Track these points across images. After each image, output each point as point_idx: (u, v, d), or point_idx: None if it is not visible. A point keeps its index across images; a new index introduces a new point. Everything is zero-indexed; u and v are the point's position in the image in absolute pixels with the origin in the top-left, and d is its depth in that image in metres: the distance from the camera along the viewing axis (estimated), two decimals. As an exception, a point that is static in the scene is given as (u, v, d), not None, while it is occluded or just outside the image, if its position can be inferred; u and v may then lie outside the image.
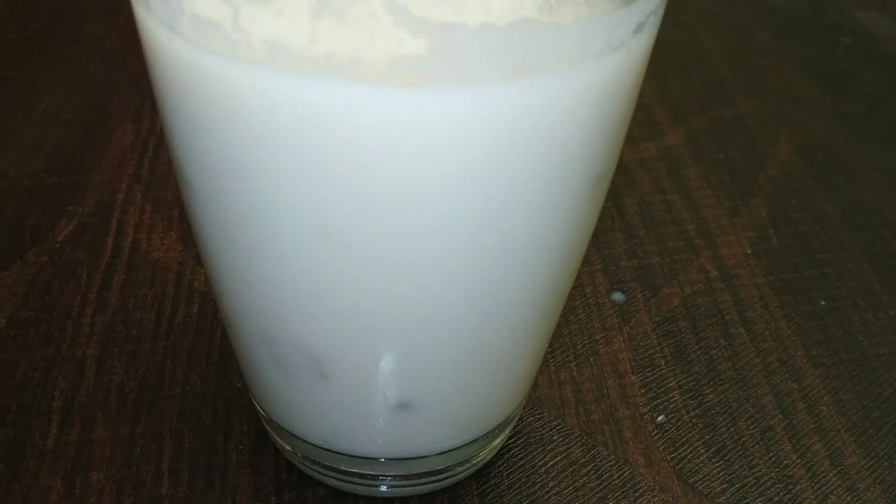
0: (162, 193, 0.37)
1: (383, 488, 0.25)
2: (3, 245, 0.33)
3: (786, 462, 0.28)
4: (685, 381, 0.30)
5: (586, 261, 0.35)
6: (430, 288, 0.19)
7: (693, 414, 0.29)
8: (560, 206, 0.19)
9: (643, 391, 0.30)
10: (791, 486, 0.27)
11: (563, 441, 0.28)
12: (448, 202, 0.17)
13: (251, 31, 0.15)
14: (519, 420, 0.28)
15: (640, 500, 0.26)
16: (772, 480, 0.27)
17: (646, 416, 0.29)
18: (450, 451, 0.24)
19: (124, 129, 0.40)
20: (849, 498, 0.27)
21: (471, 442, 0.25)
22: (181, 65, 0.17)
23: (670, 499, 0.26)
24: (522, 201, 0.18)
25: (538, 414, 0.28)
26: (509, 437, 0.27)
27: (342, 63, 0.15)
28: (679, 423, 0.29)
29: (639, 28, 0.17)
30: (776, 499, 0.26)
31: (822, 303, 0.34)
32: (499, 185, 0.17)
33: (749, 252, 0.36)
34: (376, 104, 0.15)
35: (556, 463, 0.27)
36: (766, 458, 0.28)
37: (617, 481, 0.27)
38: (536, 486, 0.26)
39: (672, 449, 0.28)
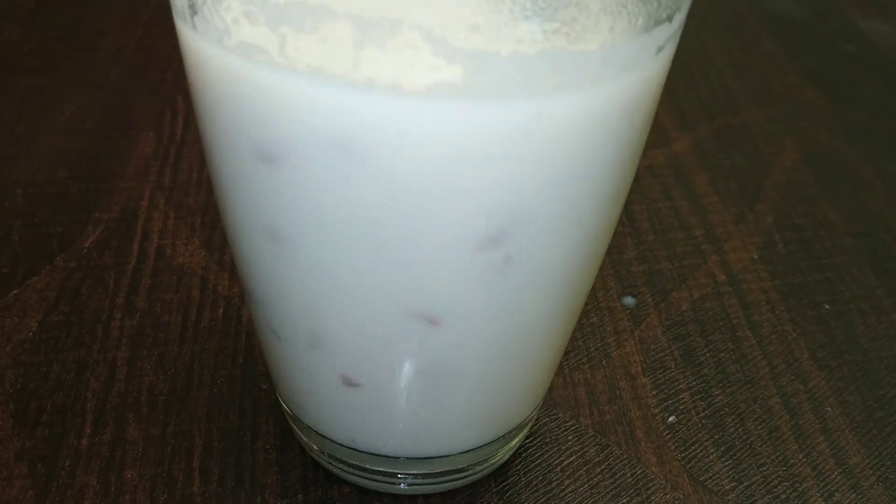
0: (184, 200, 0.38)
1: (403, 486, 0.26)
2: (32, 251, 0.34)
3: (792, 461, 0.29)
4: (695, 383, 0.31)
5: (598, 266, 0.36)
6: (454, 298, 0.20)
7: (703, 414, 0.30)
8: (581, 218, 0.20)
9: (654, 392, 0.31)
10: (798, 484, 0.28)
11: (577, 441, 0.29)
12: (478, 216, 0.18)
13: (296, 58, 0.16)
14: (535, 421, 0.29)
15: (652, 498, 0.27)
16: (779, 478, 0.28)
17: (657, 417, 0.30)
18: (469, 450, 0.25)
19: (146, 136, 0.42)
20: (853, 496, 0.28)
21: (490, 442, 0.26)
22: (226, 85, 0.18)
23: (681, 496, 0.27)
24: (546, 214, 0.19)
25: (553, 415, 0.29)
26: (526, 438, 0.28)
27: (382, 87, 0.16)
28: (689, 424, 0.30)
29: (659, 50, 0.18)
30: (783, 496, 0.27)
31: (827, 307, 0.35)
32: (524, 198, 0.18)
33: (756, 257, 0.37)
34: (413, 120, 0.16)
35: (571, 462, 0.28)
36: (774, 456, 0.29)
37: (630, 479, 0.28)
38: (553, 485, 0.27)
39: (682, 448, 0.29)
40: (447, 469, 0.26)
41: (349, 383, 0.23)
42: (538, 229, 0.19)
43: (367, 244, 0.19)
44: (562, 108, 0.17)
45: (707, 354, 0.32)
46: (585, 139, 0.18)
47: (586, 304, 0.34)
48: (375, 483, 0.26)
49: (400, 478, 0.26)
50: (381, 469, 0.26)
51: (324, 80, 0.16)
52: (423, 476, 0.26)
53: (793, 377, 0.32)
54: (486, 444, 0.26)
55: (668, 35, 0.18)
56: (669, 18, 0.18)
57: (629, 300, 0.34)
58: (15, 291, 0.33)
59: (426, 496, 0.27)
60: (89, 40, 0.49)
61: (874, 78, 0.52)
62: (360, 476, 0.26)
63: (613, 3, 0.16)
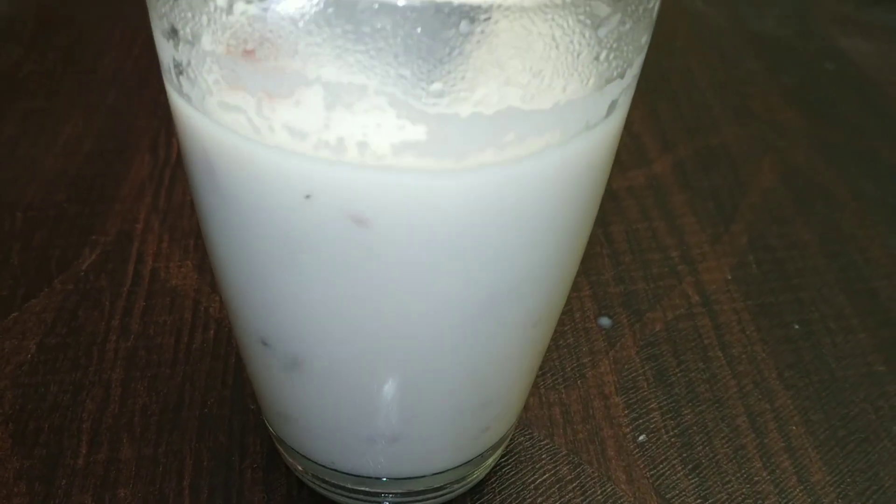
0: (178, 223, 0.39)
1: (386, 504, 0.28)
2: (31, 273, 0.36)
3: (756, 479, 0.30)
4: (665, 403, 0.32)
5: (575, 286, 0.37)
6: (429, 333, 0.21)
7: (672, 433, 0.31)
8: (545, 257, 0.21)
9: (626, 412, 0.32)
10: (760, 501, 0.29)
11: (551, 459, 0.30)
12: (447, 259, 0.19)
13: (272, 118, 0.18)
14: (511, 440, 0.30)
15: (621, 515, 0.28)
16: (743, 496, 0.29)
17: (628, 436, 0.31)
18: (446, 471, 0.27)
19: (142, 159, 0.43)
20: (813, 512, 0.29)
21: (465, 462, 0.27)
22: (207, 141, 0.19)
23: (649, 513, 0.29)
24: (512, 256, 0.20)
25: (528, 434, 0.31)
26: (502, 456, 0.30)
27: (351, 145, 0.17)
28: (658, 442, 0.31)
29: (612, 105, 0.19)
30: (746, 513, 0.29)
31: (796, 326, 0.36)
32: (492, 244, 0.20)
33: (729, 277, 0.38)
34: (380, 183, 0.18)
35: (544, 480, 0.29)
36: (739, 474, 0.30)
37: (600, 497, 0.29)
38: (526, 502, 0.29)
39: (651, 466, 0.30)
40: (426, 488, 0.27)
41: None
42: (505, 268, 0.20)
43: (340, 285, 0.20)
44: (520, 163, 0.18)
45: (678, 374, 0.34)
46: (545, 189, 0.19)
47: (563, 325, 0.35)
48: (359, 502, 0.28)
49: (380, 497, 0.27)
50: (363, 489, 0.27)
51: (297, 137, 0.17)
52: (403, 495, 0.27)
53: (760, 396, 0.33)
54: (462, 465, 0.27)
55: (620, 90, 0.19)
56: (621, 75, 0.19)
57: (605, 321, 0.36)
58: (14, 314, 0.34)
59: (405, 513, 0.28)
60: (88, 62, 0.51)
61: (852, 96, 0.53)
62: (342, 496, 0.28)
63: (565, 65, 0.18)
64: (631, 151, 0.46)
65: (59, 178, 0.41)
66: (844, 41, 0.59)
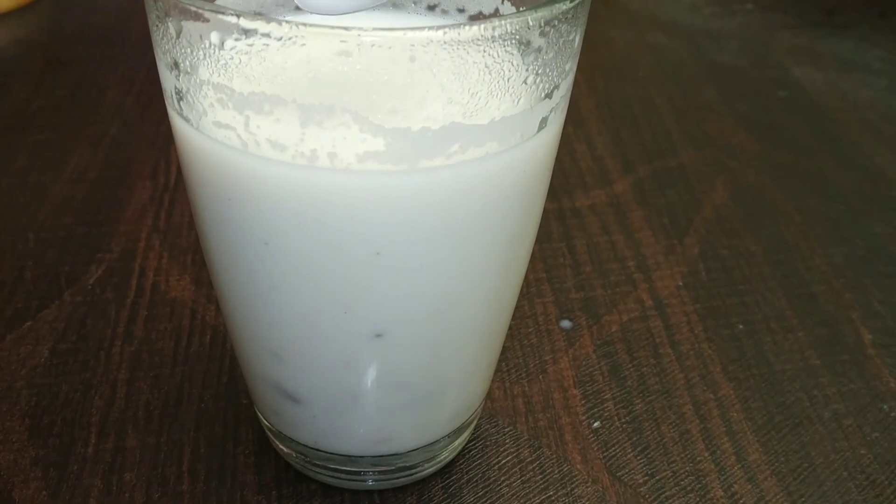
0: (177, 241, 0.43)
1: (370, 482, 0.31)
2: (43, 287, 0.39)
3: (699, 458, 0.33)
4: (619, 394, 0.36)
5: (539, 293, 0.41)
6: (394, 325, 0.25)
7: (624, 420, 0.35)
8: (491, 253, 0.25)
9: (583, 402, 0.35)
10: (702, 478, 0.33)
11: (514, 444, 0.33)
12: (401, 257, 0.23)
13: (257, 133, 0.21)
14: (477, 426, 0.34)
15: (575, 491, 0.32)
16: (686, 473, 0.33)
17: (584, 423, 0.34)
18: (417, 448, 0.30)
19: (143, 185, 0.47)
20: (749, 486, 0.32)
21: (434, 442, 0.30)
22: (204, 155, 0.23)
23: (600, 489, 0.32)
24: (462, 252, 0.24)
25: (494, 421, 0.34)
26: (468, 440, 0.33)
27: (323, 155, 0.21)
28: (611, 428, 0.34)
29: (543, 121, 0.23)
30: (688, 487, 0.32)
31: (741, 326, 0.40)
32: (443, 242, 0.23)
33: (681, 284, 0.42)
34: (348, 185, 0.21)
35: (507, 461, 0.33)
36: (683, 455, 0.33)
37: (557, 475, 0.32)
38: (490, 480, 0.32)
39: (604, 449, 0.33)
40: (399, 466, 0.31)
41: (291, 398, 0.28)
42: (456, 263, 0.24)
43: (319, 284, 0.24)
44: (462, 170, 0.22)
45: (631, 369, 0.37)
46: (483, 191, 0.23)
47: (528, 327, 0.39)
48: (340, 480, 0.31)
49: (359, 475, 0.31)
50: (343, 468, 0.31)
51: (278, 149, 0.21)
52: (380, 473, 0.31)
53: (705, 388, 0.36)
54: (431, 444, 0.30)
55: (549, 108, 0.23)
56: (549, 96, 0.23)
57: (566, 323, 0.39)
58: (28, 323, 0.37)
59: (381, 491, 0.31)
60: (92, 98, 0.55)
61: (801, 122, 0.57)
62: (325, 475, 0.31)
63: (498, 88, 0.21)
64: (594, 173, 0.50)
65: (67, 203, 0.45)
66: (797, 71, 0.64)
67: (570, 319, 0.39)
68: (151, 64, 0.59)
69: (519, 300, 0.38)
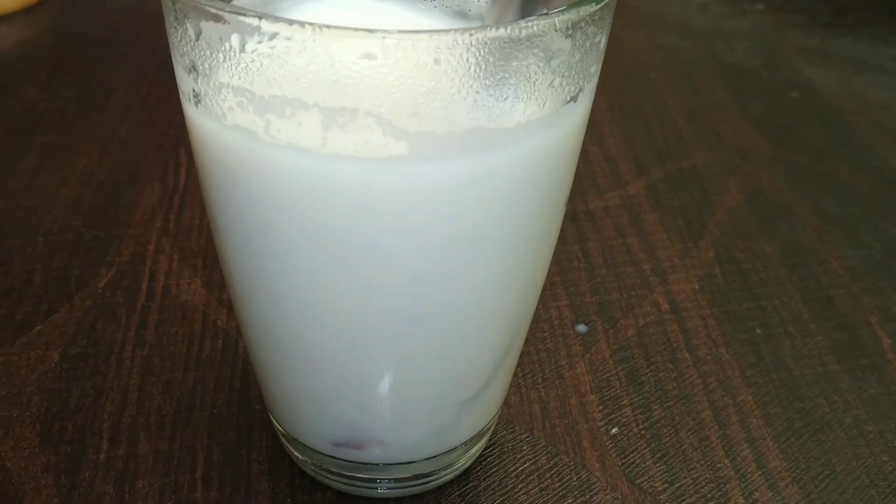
0: (187, 244, 0.42)
1: (381, 490, 0.30)
2: (52, 291, 0.39)
3: (719, 465, 0.33)
4: (636, 399, 0.35)
5: (554, 297, 0.40)
6: (415, 330, 0.25)
7: (642, 427, 0.34)
8: (513, 258, 0.24)
9: (600, 408, 0.35)
10: (722, 485, 0.32)
11: (531, 450, 0.33)
12: (423, 261, 0.22)
13: (278, 137, 0.21)
14: (494, 433, 0.33)
15: (594, 498, 0.31)
16: (706, 480, 0.32)
17: (601, 429, 0.34)
18: (434, 456, 0.30)
19: (152, 188, 0.46)
20: (770, 494, 0.32)
21: (451, 450, 0.30)
22: (223, 147, 0.22)
23: (619, 496, 0.31)
24: (484, 257, 0.23)
25: (511, 428, 0.34)
26: (485, 447, 0.33)
27: (345, 160, 0.21)
28: (630, 435, 0.34)
29: (565, 129, 0.23)
30: (709, 495, 0.32)
31: (758, 331, 0.39)
32: (465, 246, 0.23)
33: (697, 288, 0.42)
34: (370, 189, 0.21)
35: (525, 468, 0.32)
36: (703, 462, 0.33)
37: (575, 483, 0.32)
38: (508, 488, 0.31)
39: (623, 456, 0.33)
40: (416, 474, 0.30)
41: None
42: (475, 274, 0.24)
43: (338, 289, 0.23)
44: (487, 174, 0.21)
45: (648, 374, 0.37)
46: (507, 195, 0.22)
47: (543, 332, 0.38)
48: (356, 488, 0.31)
49: (375, 482, 0.30)
50: (359, 475, 0.30)
51: (299, 154, 0.21)
52: (396, 481, 0.30)
53: (723, 393, 0.36)
54: (448, 452, 0.30)
55: (574, 111, 0.23)
56: (574, 99, 0.23)
57: (581, 327, 0.39)
58: (38, 327, 0.37)
59: (398, 499, 0.31)
60: (99, 100, 0.54)
61: (815, 123, 0.57)
62: (341, 482, 0.30)
63: (524, 91, 0.21)
64: (607, 175, 0.50)
65: (76, 206, 0.45)
66: (809, 71, 0.63)
67: (586, 324, 0.39)
68: (159, 65, 0.59)
69: (534, 304, 0.38)
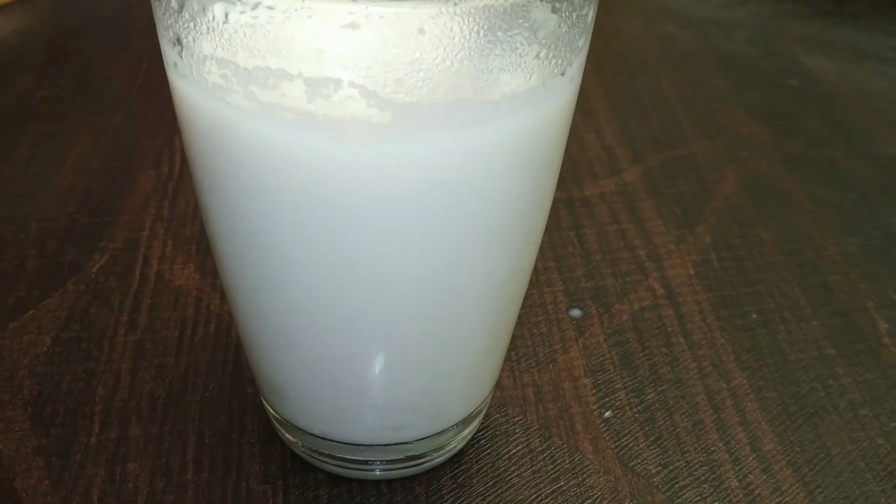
0: (181, 230, 0.42)
1: (377, 472, 0.30)
2: (45, 276, 0.39)
3: (713, 448, 0.33)
4: (630, 383, 0.35)
5: (549, 282, 0.40)
6: (400, 305, 0.24)
7: (636, 410, 0.34)
8: (500, 235, 0.24)
9: (594, 392, 0.35)
10: (716, 468, 0.32)
11: (524, 433, 0.33)
12: (409, 235, 0.22)
13: (262, 108, 0.21)
14: (486, 415, 0.33)
15: (587, 481, 0.31)
16: (699, 463, 0.32)
17: (595, 413, 0.34)
18: (426, 437, 0.29)
19: (146, 175, 0.46)
20: (764, 477, 0.32)
21: (443, 431, 0.30)
22: (208, 120, 0.22)
23: (612, 479, 0.31)
24: (471, 232, 0.23)
25: (504, 411, 0.34)
26: (478, 430, 0.32)
27: (329, 129, 0.20)
28: (623, 418, 0.34)
29: (553, 104, 0.23)
30: (702, 478, 0.31)
31: (754, 315, 0.39)
32: (451, 219, 0.23)
33: (692, 273, 0.41)
34: (355, 160, 0.21)
35: (517, 451, 0.32)
36: (696, 445, 0.33)
37: (568, 465, 0.32)
38: (500, 470, 0.31)
39: (616, 439, 0.33)
40: (408, 455, 0.30)
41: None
42: (462, 250, 0.23)
43: (326, 265, 0.23)
44: (472, 146, 0.21)
45: (643, 358, 0.36)
46: (493, 168, 0.22)
47: (537, 316, 0.38)
48: (348, 470, 0.30)
49: (367, 464, 0.30)
50: (349, 457, 0.30)
51: (283, 126, 0.21)
52: (388, 462, 0.30)
53: (718, 377, 0.36)
54: (440, 433, 0.30)
55: (562, 84, 0.23)
56: (561, 73, 0.22)
57: (576, 312, 0.39)
58: (31, 312, 0.37)
59: (389, 481, 0.31)
60: (95, 88, 0.54)
61: (813, 111, 0.56)
62: (333, 464, 0.30)
63: (510, 63, 0.21)
64: (603, 162, 0.50)
65: (70, 193, 0.45)
66: (807, 60, 0.63)
67: (581, 308, 0.39)
68: (154, 55, 0.58)
69: (528, 289, 0.37)
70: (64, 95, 0.54)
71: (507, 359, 0.36)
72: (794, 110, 0.57)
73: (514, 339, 0.36)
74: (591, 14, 0.23)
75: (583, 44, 0.23)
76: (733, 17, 0.70)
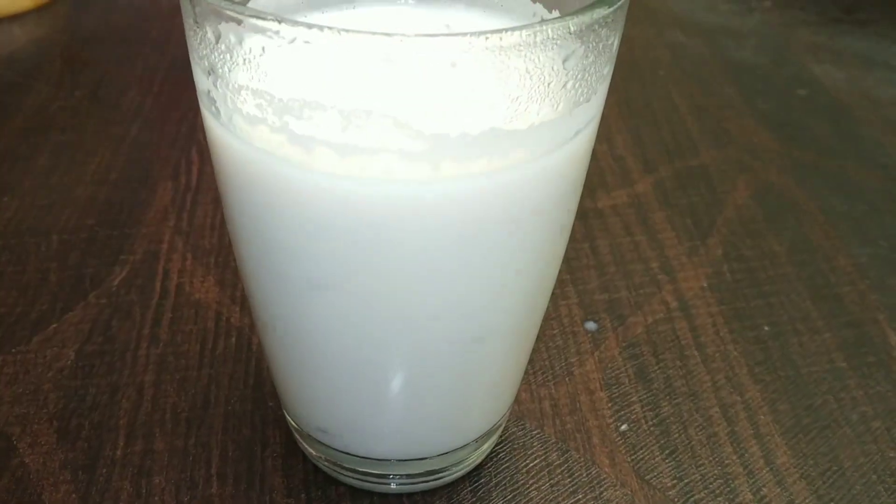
0: (200, 242, 0.43)
1: (393, 486, 0.31)
2: (68, 289, 0.39)
3: (727, 462, 0.33)
4: (645, 396, 0.36)
5: (564, 295, 0.41)
6: (427, 331, 0.25)
7: (651, 423, 0.35)
8: (528, 257, 0.25)
9: (610, 405, 0.35)
10: (731, 481, 0.32)
11: (542, 447, 0.33)
12: (440, 262, 0.23)
13: (296, 138, 0.21)
14: (504, 429, 0.34)
15: (604, 494, 0.32)
16: (714, 476, 0.33)
17: (611, 426, 0.34)
18: (446, 453, 0.30)
19: (165, 186, 0.47)
20: (778, 490, 0.32)
21: (462, 446, 0.30)
22: (241, 152, 0.23)
23: (629, 492, 0.32)
24: (502, 256, 0.24)
25: (521, 424, 0.34)
26: (496, 444, 0.33)
27: (362, 161, 0.21)
28: (639, 431, 0.34)
29: (578, 130, 0.23)
30: (717, 491, 0.32)
31: (766, 328, 0.40)
32: (483, 246, 0.23)
33: (705, 285, 0.42)
34: (387, 190, 0.21)
35: (535, 465, 0.33)
36: (711, 458, 0.33)
37: (585, 479, 0.32)
38: (519, 484, 0.32)
39: (632, 452, 0.33)
40: (427, 470, 0.31)
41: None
42: (495, 267, 0.24)
43: (358, 290, 0.24)
44: (503, 174, 0.22)
45: (657, 371, 0.37)
46: (523, 195, 0.23)
47: (552, 329, 0.39)
48: (369, 483, 0.31)
49: (388, 478, 0.31)
50: (372, 471, 0.30)
51: (317, 155, 0.21)
52: (408, 477, 0.31)
53: (731, 390, 0.36)
54: (460, 448, 0.30)
55: (588, 111, 0.23)
56: (587, 100, 0.23)
57: (591, 325, 0.39)
58: (54, 325, 0.37)
59: (410, 494, 0.31)
60: (111, 98, 0.55)
61: (823, 120, 0.57)
62: (354, 478, 0.31)
63: (538, 93, 0.21)
64: (615, 173, 0.50)
65: (90, 205, 0.45)
66: (817, 68, 0.63)
67: (595, 321, 0.39)
68: (170, 63, 0.59)
69: (544, 302, 0.38)
70: (81, 105, 0.54)
71: (524, 372, 0.36)
72: (804, 119, 0.57)
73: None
74: (616, 43, 0.23)
75: (608, 72, 0.24)
76: (743, 25, 0.70)
